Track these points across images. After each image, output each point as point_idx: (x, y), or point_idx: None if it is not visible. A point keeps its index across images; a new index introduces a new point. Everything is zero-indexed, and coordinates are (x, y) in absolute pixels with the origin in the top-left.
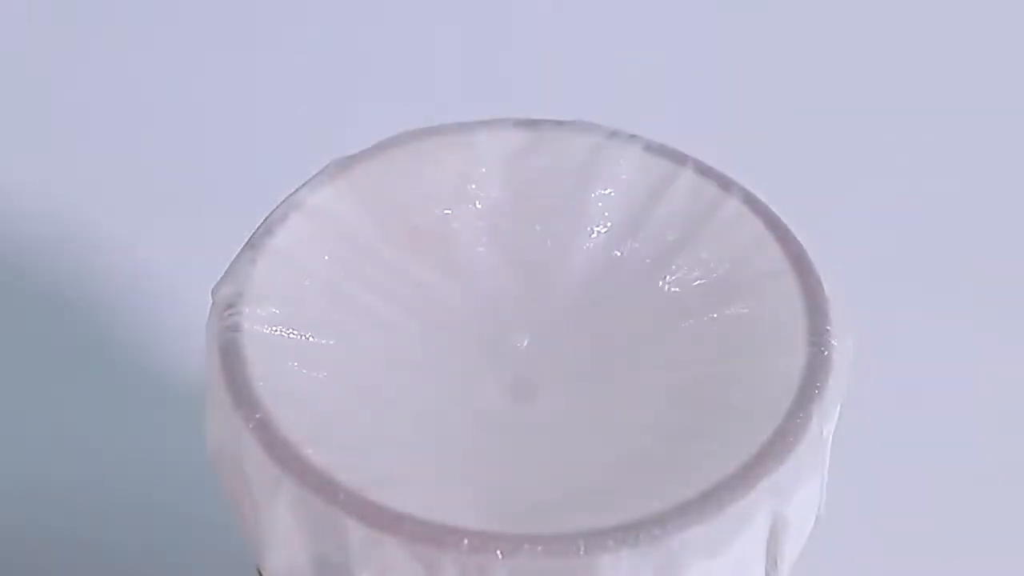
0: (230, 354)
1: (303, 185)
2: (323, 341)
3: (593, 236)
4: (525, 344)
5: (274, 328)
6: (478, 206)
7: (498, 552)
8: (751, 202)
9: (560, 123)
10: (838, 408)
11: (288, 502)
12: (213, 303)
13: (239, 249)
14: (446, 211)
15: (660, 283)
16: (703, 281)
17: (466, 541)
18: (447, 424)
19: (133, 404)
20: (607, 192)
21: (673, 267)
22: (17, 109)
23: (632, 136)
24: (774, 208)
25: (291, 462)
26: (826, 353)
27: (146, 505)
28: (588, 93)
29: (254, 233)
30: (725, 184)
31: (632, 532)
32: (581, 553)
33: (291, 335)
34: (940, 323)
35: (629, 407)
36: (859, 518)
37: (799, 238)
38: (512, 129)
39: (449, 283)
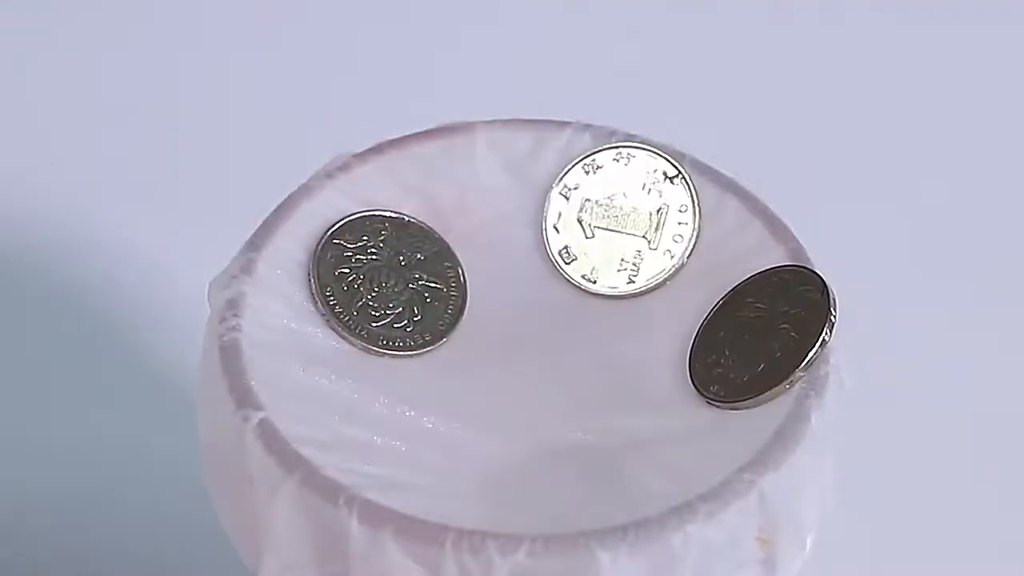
0: (231, 355)
1: (303, 185)
2: (324, 341)
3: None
4: (525, 344)
5: (274, 328)
6: (478, 205)
7: (498, 551)
8: (751, 202)
9: (560, 123)
10: (838, 408)
11: (288, 502)
12: (213, 304)
13: (239, 249)
14: (446, 212)
15: (661, 281)
16: (703, 281)
17: (466, 541)
18: (449, 425)
19: (130, 404)
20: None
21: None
22: (16, 107)
23: (631, 136)
24: (774, 208)
25: (291, 462)
26: (826, 353)
27: (140, 505)
28: (588, 93)
29: (254, 233)
30: (724, 184)
31: (631, 531)
32: (580, 552)
33: (291, 335)
34: (940, 323)
35: (629, 407)
36: (860, 518)
37: (799, 238)
38: (512, 129)
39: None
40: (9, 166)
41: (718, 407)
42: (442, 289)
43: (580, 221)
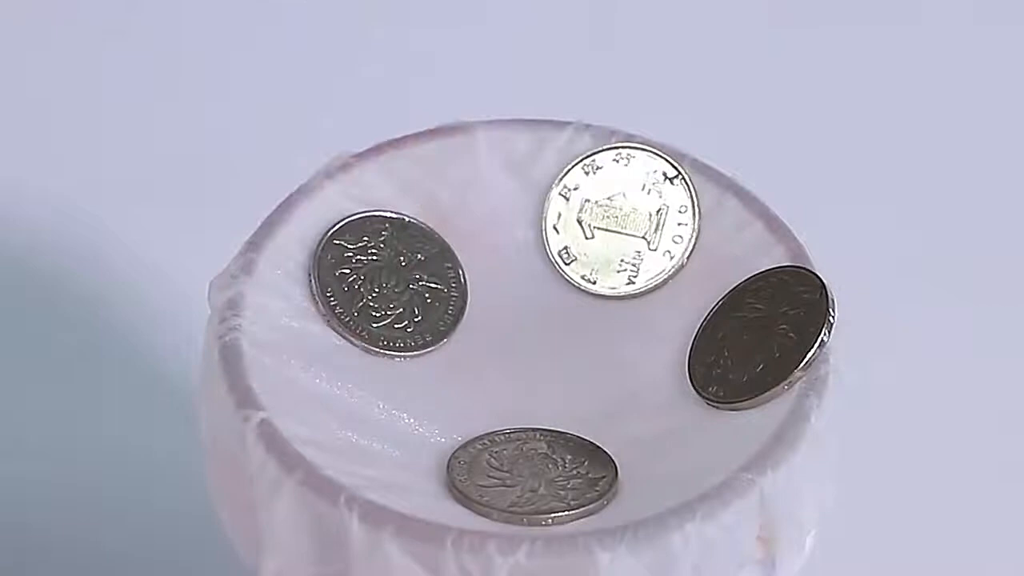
0: (231, 355)
1: (303, 185)
2: (324, 341)
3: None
4: (525, 345)
5: (275, 328)
6: (478, 205)
7: (498, 551)
8: (751, 202)
9: (560, 123)
10: (838, 408)
11: (288, 502)
12: (213, 303)
13: (239, 249)
14: (446, 212)
15: (661, 282)
16: (703, 281)
17: (466, 541)
18: (448, 426)
19: (130, 404)
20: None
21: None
22: (17, 106)
23: (631, 136)
24: (774, 208)
25: (291, 462)
26: (826, 353)
27: (140, 505)
28: (588, 93)
29: (254, 233)
30: (724, 184)
31: (630, 531)
32: (580, 552)
33: (292, 335)
34: (940, 323)
35: (628, 407)
36: (860, 518)
37: (799, 238)
38: (512, 129)
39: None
40: (8, 166)
41: (717, 408)
42: (442, 290)
43: (580, 221)
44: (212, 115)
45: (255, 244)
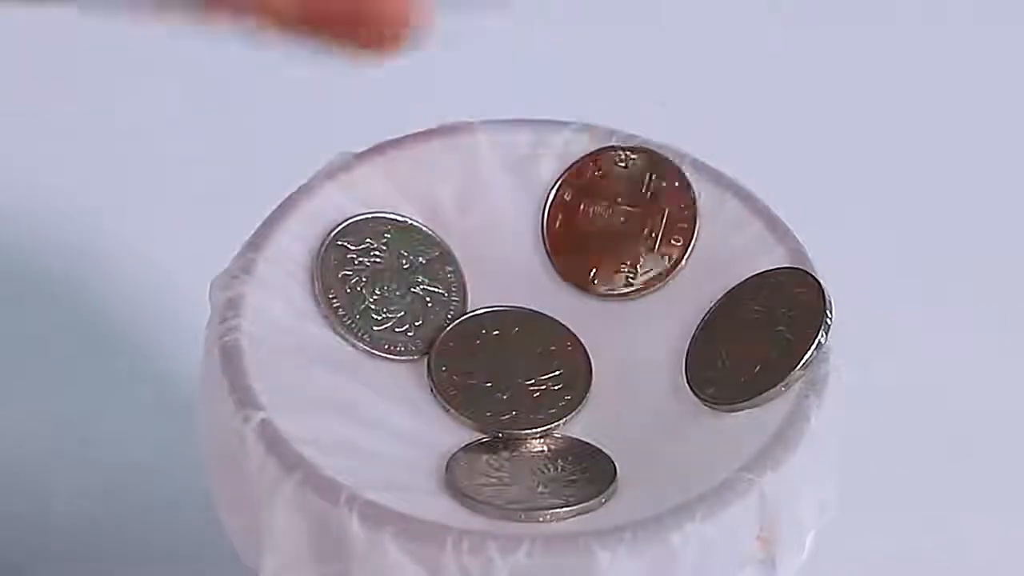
0: (231, 355)
1: (303, 185)
2: (325, 342)
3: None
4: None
5: (275, 328)
6: (478, 205)
7: (498, 551)
8: (751, 202)
9: (560, 123)
10: (838, 408)
11: (288, 502)
12: (214, 304)
13: (239, 249)
14: (446, 213)
15: (660, 282)
16: (702, 282)
17: (466, 541)
18: (449, 428)
19: (130, 404)
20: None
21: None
22: (17, 106)
23: (631, 136)
24: (774, 208)
25: (291, 462)
26: (826, 353)
27: (140, 505)
28: (588, 93)
29: (255, 233)
30: (724, 184)
31: (630, 531)
32: (580, 551)
33: (292, 335)
34: (940, 323)
35: (629, 408)
36: (859, 518)
37: (799, 238)
38: (512, 129)
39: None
40: (9, 166)
41: (714, 409)
42: (443, 294)
43: (579, 221)
44: (213, 115)
45: (255, 244)
